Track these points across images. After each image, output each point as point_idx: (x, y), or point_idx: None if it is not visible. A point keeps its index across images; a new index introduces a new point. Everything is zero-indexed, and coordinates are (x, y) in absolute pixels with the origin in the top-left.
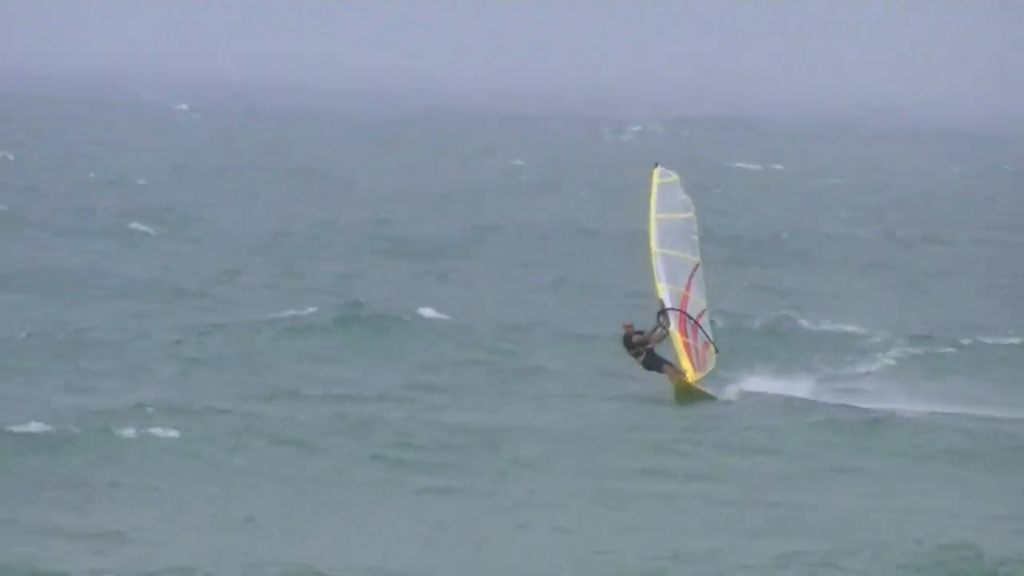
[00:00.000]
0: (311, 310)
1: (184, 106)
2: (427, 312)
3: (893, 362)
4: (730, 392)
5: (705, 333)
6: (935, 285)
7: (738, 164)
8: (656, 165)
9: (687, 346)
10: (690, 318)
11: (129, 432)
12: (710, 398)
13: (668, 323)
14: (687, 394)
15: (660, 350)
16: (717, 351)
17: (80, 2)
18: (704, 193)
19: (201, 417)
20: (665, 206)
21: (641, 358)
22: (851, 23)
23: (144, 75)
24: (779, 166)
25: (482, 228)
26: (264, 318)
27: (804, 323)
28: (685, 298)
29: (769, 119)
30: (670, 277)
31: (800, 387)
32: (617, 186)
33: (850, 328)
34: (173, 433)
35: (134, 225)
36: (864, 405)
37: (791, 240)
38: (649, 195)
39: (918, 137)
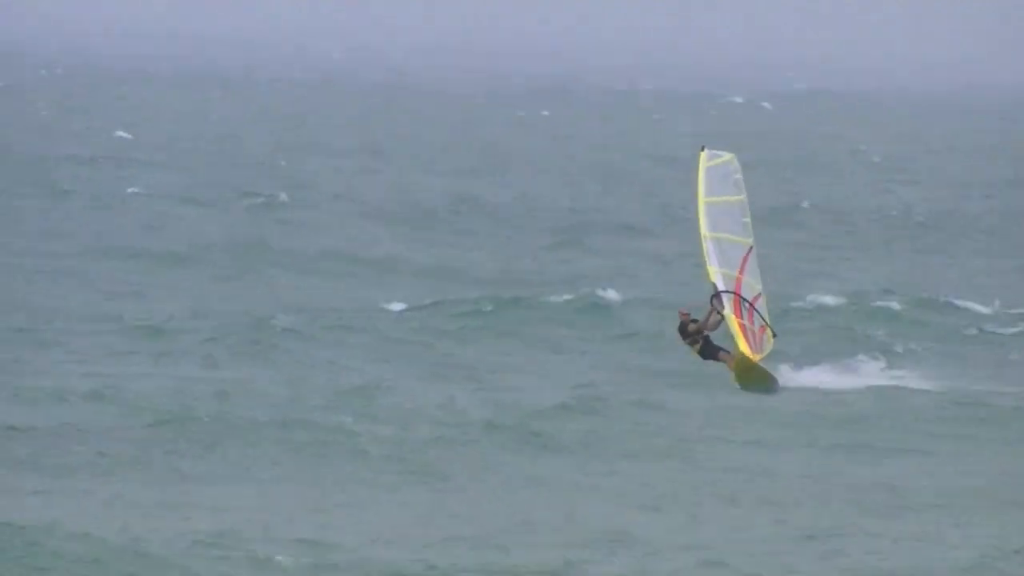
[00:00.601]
0: (487, 292)
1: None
2: (611, 293)
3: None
4: (870, 369)
5: (761, 316)
6: None
7: (862, 147)
8: (703, 148)
9: (743, 328)
10: (745, 300)
11: (318, 418)
12: (772, 379)
13: (722, 306)
14: (748, 377)
15: (716, 338)
16: (775, 334)
17: None
18: (830, 173)
19: (387, 400)
20: (714, 189)
21: (697, 347)
22: None
23: (230, 48)
24: (905, 146)
25: (639, 204)
26: (439, 299)
27: (944, 302)
28: (739, 281)
29: (864, 92)
30: (722, 260)
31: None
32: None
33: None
34: (365, 425)
35: (282, 199)
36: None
37: (927, 219)
38: (697, 179)
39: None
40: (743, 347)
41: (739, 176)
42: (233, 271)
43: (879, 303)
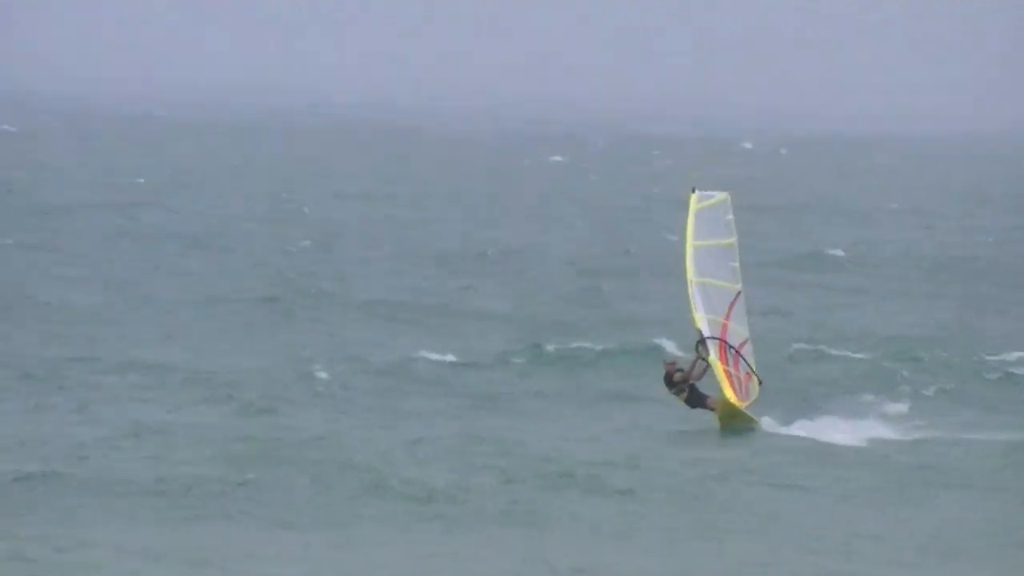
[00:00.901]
0: (525, 339)
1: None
2: (652, 339)
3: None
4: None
5: (747, 363)
6: None
7: (880, 193)
8: (694, 190)
9: (728, 375)
10: (730, 347)
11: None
12: (754, 422)
13: (707, 353)
14: (732, 420)
15: (702, 386)
16: (761, 382)
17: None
18: (852, 219)
19: (427, 447)
20: (704, 232)
21: (684, 396)
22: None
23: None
24: (924, 193)
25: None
26: (479, 346)
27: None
28: (724, 327)
29: (875, 136)
30: (708, 306)
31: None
32: (769, 205)
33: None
34: (403, 471)
35: (311, 246)
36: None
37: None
38: (687, 221)
39: None
40: (729, 394)
41: (731, 217)
42: (271, 318)
43: (906, 347)
